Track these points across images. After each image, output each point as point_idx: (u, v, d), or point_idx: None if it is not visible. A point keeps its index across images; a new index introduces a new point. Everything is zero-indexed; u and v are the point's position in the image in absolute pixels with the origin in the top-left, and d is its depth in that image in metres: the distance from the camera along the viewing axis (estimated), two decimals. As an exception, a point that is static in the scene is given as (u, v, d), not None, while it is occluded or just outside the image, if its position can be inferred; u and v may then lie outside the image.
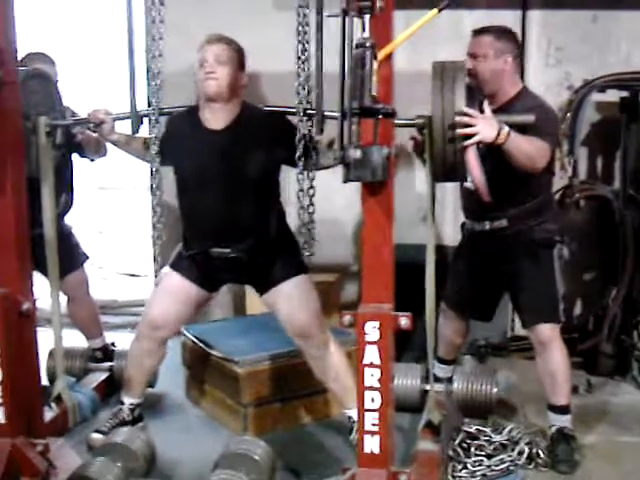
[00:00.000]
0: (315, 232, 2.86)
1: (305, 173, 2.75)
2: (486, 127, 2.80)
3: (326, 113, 2.68)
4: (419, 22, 2.48)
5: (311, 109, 2.74)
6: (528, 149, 3.04)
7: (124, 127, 3.38)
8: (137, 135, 3.44)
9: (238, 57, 3.30)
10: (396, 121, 2.53)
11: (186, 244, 3.46)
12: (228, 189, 3.28)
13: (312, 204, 2.74)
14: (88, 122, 3.43)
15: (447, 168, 2.67)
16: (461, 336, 3.79)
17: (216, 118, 3.31)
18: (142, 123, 3.25)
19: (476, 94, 2.75)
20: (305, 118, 2.76)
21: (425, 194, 2.83)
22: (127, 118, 3.36)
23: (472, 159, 2.72)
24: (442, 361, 3.81)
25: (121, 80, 3.22)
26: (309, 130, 2.81)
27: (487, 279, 3.52)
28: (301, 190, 2.77)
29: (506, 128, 2.89)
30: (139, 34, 3.21)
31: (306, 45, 2.63)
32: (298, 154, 2.77)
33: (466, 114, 2.67)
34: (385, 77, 2.38)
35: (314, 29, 2.55)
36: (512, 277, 3.42)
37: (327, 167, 3.11)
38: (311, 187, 2.74)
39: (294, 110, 2.80)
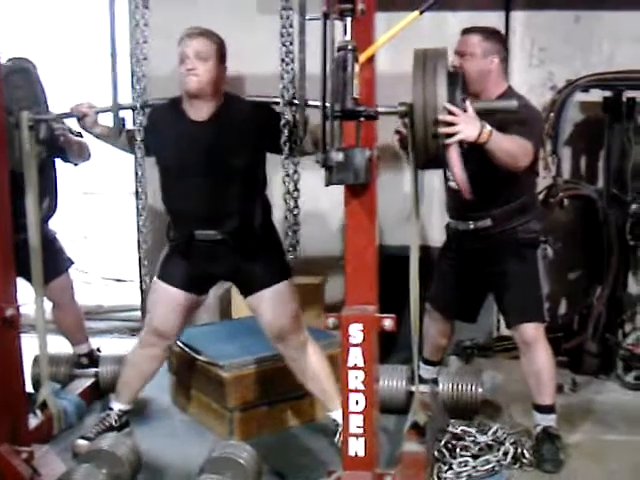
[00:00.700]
0: (300, 233, 2.89)
1: (290, 174, 2.74)
2: (468, 126, 2.76)
3: (311, 102, 2.72)
4: (401, 24, 2.48)
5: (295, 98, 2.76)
6: (510, 148, 3.03)
7: (107, 120, 3.37)
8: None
9: (219, 51, 3.28)
10: (379, 109, 2.49)
11: (171, 235, 3.45)
12: (211, 178, 3.27)
13: (297, 206, 2.74)
14: (71, 115, 3.41)
15: (429, 155, 2.62)
16: (446, 337, 3.79)
17: (199, 110, 3.30)
18: (124, 126, 3.25)
19: (458, 81, 2.72)
20: (289, 106, 2.77)
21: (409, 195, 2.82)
22: (109, 111, 3.36)
23: (454, 157, 2.68)
24: (427, 362, 3.81)
25: (105, 82, 3.21)
26: (293, 116, 2.82)
27: (471, 280, 3.52)
28: (287, 192, 2.76)
29: (488, 127, 2.87)
30: (124, 38, 3.22)
31: (290, 47, 2.64)
32: (283, 139, 2.77)
33: (449, 112, 2.65)
34: (367, 79, 2.37)
35: (297, 32, 2.57)
36: (496, 277, 3.43)
37: (312, 153, 3.02)
38: (296, 189, 2.73)
39: (278, 100, 2.81)
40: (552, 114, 4.33)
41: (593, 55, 4.50)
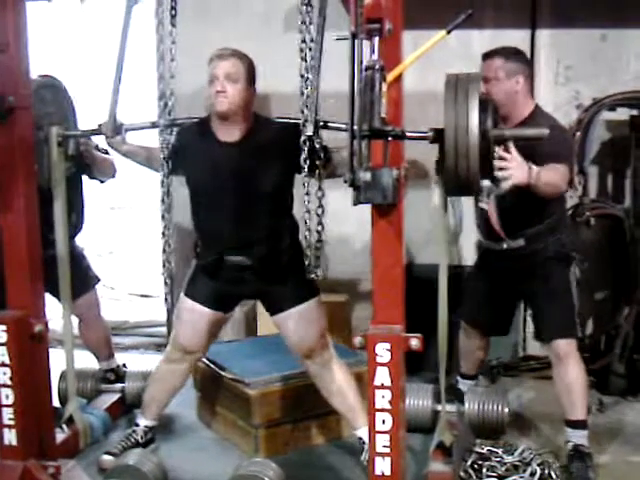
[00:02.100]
0: (326, 252, 2.90)
1: (315, 193, 2.78)
2: (519, 170, 2.85)
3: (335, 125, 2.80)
4: (428, 43, 2.48)
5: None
6: (552, 180, 3.08)
7: (136, 138, 3.43)
8: (147, 145, 3.49)
9: (249, 72, 3.29)
10: (408, 134, 2.50)
11: (199, 254, 3.46)
12: (241, 200, 3.28)
13: (322, 224, 2.77)
14: (99, 133, 3.41)
15: (459, 182, 2.65)
16: (482, 351, 3.87)
17: (229, 131, 3.30)
18: (120, 133, 3.26)
19: (489, 107, 2.73)
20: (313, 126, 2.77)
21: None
22: (137, 129, 3.40)
23: (490, 206, 2.76)
24: (465, 376, 3.90)
25: (134, 98, 3.25)
26: (316, 134, 2.83)
27: (504, 295, 3.53)
28: (307, 211, 2.82)
29: (535, 168, 2.93)
30: (150, 53, 3.24)
31: (309, 64, 2.67)
32: (303, 157, 2.80)
33: (502, 158, 2.74)
34: (394, 99, 2.38)
35: (317, 49, 2.59)
36: (530, 294, 3.44)
37: (339, 175, 3.12)
38: (320, 206, 2.76)
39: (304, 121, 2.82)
40: (578, 133, 4.33)
41: (619, 73, 4.48)
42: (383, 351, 2.44)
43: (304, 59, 2.78)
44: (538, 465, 3.32)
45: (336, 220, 3.25)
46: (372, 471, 2.51)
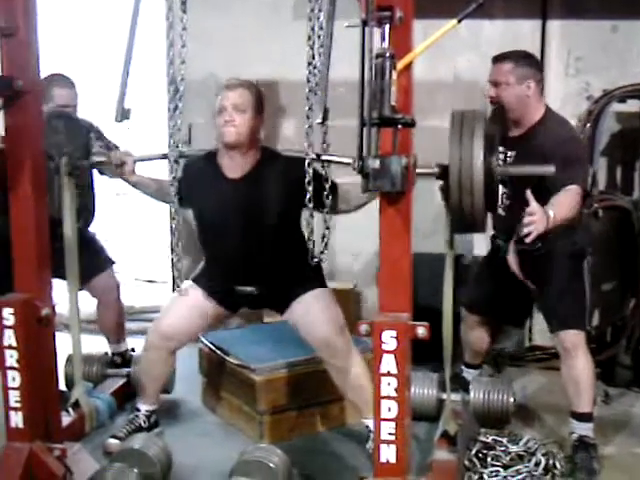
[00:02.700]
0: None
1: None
2: (541, 224, 2.89)
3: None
4: (439, 32, 2.48)
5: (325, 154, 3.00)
6: (567, 212, 3.09)
7: (145, 169, 3.49)
8: (157, 178, 3.54)
9: (257, 101, 3.31)
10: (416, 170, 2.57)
11: (209, 280, 3.50)
12: (249, 235, 3.32)
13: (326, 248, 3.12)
14: (109, 163, 3.46)
15: (464, 219, 2.69)
16: (485, 342, 3.85)
17: (235, 166, 3.32)
18: (128, 118, 3.26)
19: (495, 144, 2.77)
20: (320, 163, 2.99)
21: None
22: (148, 159, 3.48)
23: (512, 257, 3.01)
24: (468, 365, 3.92)
25: (141, 85, 3.25)
26: (324, 171, 3.04)
27: (516, 287, 3.50)
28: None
29: (551, 213, 2.96)
30: (159, 40, 3.23)
31: (317, 51, 2.68)
32: (308, 196, 2.98)
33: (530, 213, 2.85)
34: (404, 87, 2.37)
35: (327, 36, 2.59)
36: (542, 284, 3.42)
37: (346, 211, 3.29)
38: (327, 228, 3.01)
39: (312, 156, 3.00)
40: (588, 125, 4.31)
41: (630, 65, 4.46)
42: (389, 339, 2.44)
43: (313, 47, 2.79)
44: (543, 455, 3.32)
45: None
46: (377, 458, 2.52)
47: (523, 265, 3.42)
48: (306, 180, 3.00)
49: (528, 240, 2.87)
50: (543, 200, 3.07)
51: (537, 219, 2.89)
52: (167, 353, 3.55)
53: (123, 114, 3.16)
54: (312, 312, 3.37)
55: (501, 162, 3.37)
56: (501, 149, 3.41)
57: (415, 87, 2.52)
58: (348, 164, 2.86)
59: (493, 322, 3.84)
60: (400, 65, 2.33)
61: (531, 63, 3.39)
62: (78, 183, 3.41)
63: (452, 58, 4.47)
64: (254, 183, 3.29)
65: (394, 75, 2.25)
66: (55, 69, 3.93)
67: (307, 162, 3.01)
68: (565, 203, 3.11)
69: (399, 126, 2.29)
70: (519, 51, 3.43)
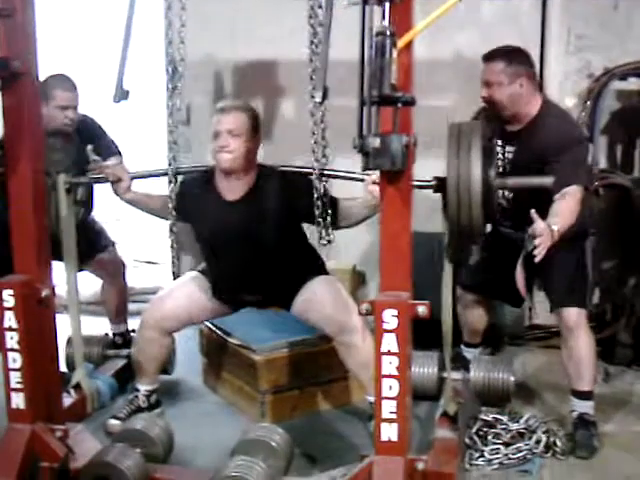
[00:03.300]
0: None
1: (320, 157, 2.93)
2: (547, 240, 2.91)
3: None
4: (439, 10, 2.46)
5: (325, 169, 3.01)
6: (571, 216, 3.10)
7: (140, 185, 3.52)
8: (152, 194, 3.56)
9: (252, 124, 3.29)
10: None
11: (213, 282, 3.53)
12: (250, 253, 3.34)
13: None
14: (105, 180, 3.47)
15: (462, 232, 2.71)
16: (482, 321, 3.86)
17: (232, 188, 3.33)
18: (126, 98, 3.25)
19: (493, 156, 2.78)
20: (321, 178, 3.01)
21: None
22: (145, 177, 3.50)
23: (520, 272, 2.98)
24: (468, 345, 3.93)
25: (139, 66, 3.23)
26: (324, 187, 3.05)
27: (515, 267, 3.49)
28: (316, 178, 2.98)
29: (555, 227, 2.96)
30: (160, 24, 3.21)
31: (318, 30, 2.66)
32: (317, 213, 3.01)
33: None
34: (405, 65, 2.36)
35: (326, 14, 2.57)
36: (543, 262, 3.41)
37: (347, 227, 3.31)
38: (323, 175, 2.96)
39: (309, 170, 3.02)
40: (588, 102, 4.30)
41: (631, 43, 4.41)
42: (390, 317, 2.44)
43: (313, 25, 2.77)
44: (543, 433, 3.34)
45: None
46: (378, 437, 2.53)
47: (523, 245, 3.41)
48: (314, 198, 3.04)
49: (537, 260, 2.89)
50: (546, 195, 3.09)
51: (544, 239, 2.89)
52: (161, 334, 3.55)
53: (121, 95, 3.15)
54: (318, 293, 3.39)
55: (500, 156, 3.41)
56: (500, 143, 3.41)
57: (414, 66, 2.51)
58: (350, 179, 3.09)
59: (489, 300, 3.84)
60: (400, 43, 2.31)
61: (522, 59, 3.35)
62: (76, 199, 3.43)
63: (452, 36, 4.44)
64: (252, 204, 3.31)
65: (394, 53, 2.23)
66: (53, 50, 3.92)
67: (314, 176, 3.04)
68: (566, 211, 3.10)
69: (399, 105, 2.27)
70: (509, 48, 3.38)
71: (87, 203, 3.86)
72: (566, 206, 3.11)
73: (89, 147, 3.62)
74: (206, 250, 3.53)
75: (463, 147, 2.59)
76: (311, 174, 3.04)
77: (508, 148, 3.40)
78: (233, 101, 3.32)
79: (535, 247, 2.87)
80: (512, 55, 3.34)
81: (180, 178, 3.37)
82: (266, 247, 3.33)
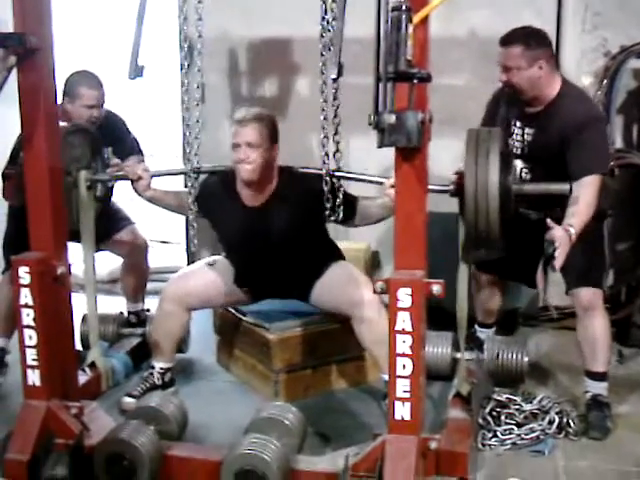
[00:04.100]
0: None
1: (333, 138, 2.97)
2: (565, 245, 2.89)
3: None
4: (455, -15, 2.44)
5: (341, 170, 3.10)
6: (588, 212, 3.09)
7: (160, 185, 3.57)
8: (172, 191, 3.61)
9: (270, 133, 3.32)
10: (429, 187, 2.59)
11: (236, 277, 3.58)
12: (271, 255, 3.41)
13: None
14: (125, 178, 3.52)
15: (479, 238, 2.72)
16: (495, 301, 3.86)
17: (254, 195, 3.40)
18: (141, 75, 3.24)
19: (511, 162, 2.76)
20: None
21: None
22: (165, 175, 3.56)
23: (540, 275, 2.97)
24: (482, 325, 3.92)
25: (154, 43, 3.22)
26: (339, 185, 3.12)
27: (532, 247, 3.47)
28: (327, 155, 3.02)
29: (572, 230, 2.96)
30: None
31: (333, 7, 2.65)
32: (328, 212, 3.09)
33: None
34: (421, 41, 2.33)
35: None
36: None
37: (365, 224, 3.41)
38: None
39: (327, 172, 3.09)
40: (605, 81, 4.27)
41: (649, 21, 4.39)
42: (404, 296, 2.43)
43: (326, 2, 2.75)
44: (556, 413, 3.33)
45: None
46: (392, 415, 2.53)
47: (540, 223, 3.39)
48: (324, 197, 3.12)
49: (557, 266, 2.85)
50: (565, 177, 3.07)
51: (563, 245, 2.88)
52: (182, 309, 3.58)
53: (136, 71, 3.14)
54: (331, 277, 3.45)
55: (520, 137, 3.40)
56: (519, 124, 3.39)
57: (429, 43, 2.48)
58: (369, 181, 3.17)
59: (504, 281, 3.83)
60: (416, 19, 2.29)
61: (539, 42, 3.29)
62: (96, 195, 3.49)
63: (467, 14, 4.40)
64: (274, 210, 3.38)
65: (410, 29, 2.21)
66: (69, 28, 3.91)
67: (324, 176, 3.11)
68: (583, 209, 3.07)
69: (415, 81, 2.25)
70: (526, 30, 3.32)
71: (106, 200, 3.89)
72: (583, 202, 3.07)
73: (109, 149, 3.63)
74: (227, 249, 3.62)
75: (481, 153, 2.62)
76: (330, 176, 3.10)
77: (527, 130, 3.38)
78: (250, 111, 3.32)
79: (554, 250, 2.84)
80: (530, 38, 3.27)
81: (202, 178, 3.43)
82: (287, 250, 3.40)
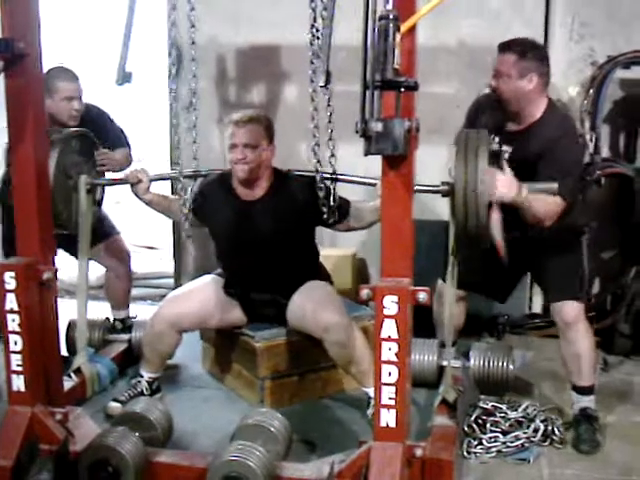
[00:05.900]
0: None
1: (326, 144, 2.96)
2: (505, 188, 2.84)
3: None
4: (443, -6, 2.44)
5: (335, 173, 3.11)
6: (539, 213, 3.06)
7: (160, 187, 3.63)
8: (170, 196, 3.67)
9: (267, 132, 3.38)
10: (417, 187, 2.62)
11: (227, 284, 3.62)
12: (264, 252, 3.45)
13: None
14: (125, 182, 3.56)
15: (469, 236, 2.74)
16: (462, 317, 3.67)
17: (250, 191, 3.45)
18: (129, 81, 3.25)
19: (501, 161, 2.77)
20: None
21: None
22: (164, 179, 3.65)
23: (494, 220, 2.80)
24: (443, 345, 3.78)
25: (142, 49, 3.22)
26: (332, 188, 3.16)
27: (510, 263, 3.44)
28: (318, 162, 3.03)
29: (525, 191, 2.91)
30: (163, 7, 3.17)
31: (322, 14, 2.66)
32: (325, 216, 3.16)
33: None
34: (408, 49, 2.34)
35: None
36: (539, 258, 3.37)
37: (359, 228, 3.47)
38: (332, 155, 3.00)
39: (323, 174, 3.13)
40: (591, 90, 4.28)
41: (635, 31, 4.39)
42: (391, 303, 2.44)
43: (315, 9, 2.76)
44: (542, 421, 3.34)
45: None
46: (377, 423, 2.53)
47: (517, 241, 3.36)
48: (320, 201, 3.19)
49: (491, 199, 2.76)
50: None
51: (502, 181, 2.83)
52: (173, 331, 3.58)
53: (124, 77, 3.15)
54: (306, 300, 3.47)
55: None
56: (497, 140, 3.37)
57: (418, 51, 2.49)
58: (362, 183, 3.19)
59: (467, 298, 3.69)
60: (404, 27, 2.30)
61: (536, 55, 3.23)
62: (95, 199, 3.52)
63: (455, 23, 4.42)
64: (269, 203, 3.43)
65: (397, 37, 2.22)
66: (56, 33, 3.91)
67: (319, 179, 3.15)
68: (542, 202, 3.04)
69: (402, 89, 2.26)
70: (526, 41, 3.28)
71: (100, 203, 3.89)
72: (545, 199, 3.04)
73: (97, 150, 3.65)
74: (220, 246, 3.64)
75: (470, 154, 2.64)
76: (324, 178, 3.14)
77: (505, 148, 3.35)
78: (246, 112, 3.36)
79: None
80: (527, 49, 3.22)
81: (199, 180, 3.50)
82: (279, 244, 3.44)
